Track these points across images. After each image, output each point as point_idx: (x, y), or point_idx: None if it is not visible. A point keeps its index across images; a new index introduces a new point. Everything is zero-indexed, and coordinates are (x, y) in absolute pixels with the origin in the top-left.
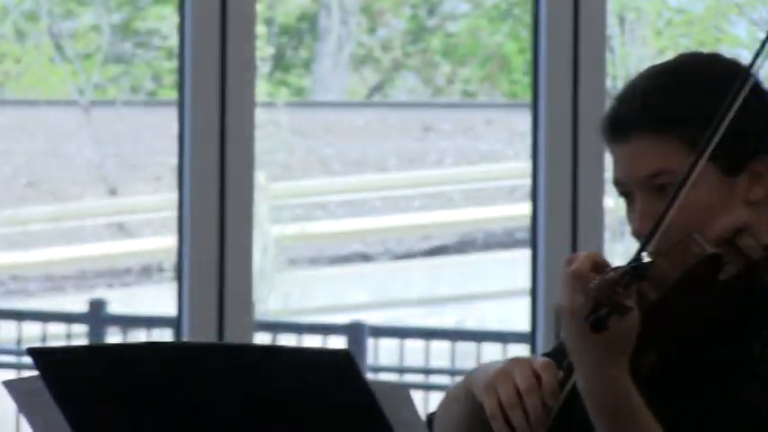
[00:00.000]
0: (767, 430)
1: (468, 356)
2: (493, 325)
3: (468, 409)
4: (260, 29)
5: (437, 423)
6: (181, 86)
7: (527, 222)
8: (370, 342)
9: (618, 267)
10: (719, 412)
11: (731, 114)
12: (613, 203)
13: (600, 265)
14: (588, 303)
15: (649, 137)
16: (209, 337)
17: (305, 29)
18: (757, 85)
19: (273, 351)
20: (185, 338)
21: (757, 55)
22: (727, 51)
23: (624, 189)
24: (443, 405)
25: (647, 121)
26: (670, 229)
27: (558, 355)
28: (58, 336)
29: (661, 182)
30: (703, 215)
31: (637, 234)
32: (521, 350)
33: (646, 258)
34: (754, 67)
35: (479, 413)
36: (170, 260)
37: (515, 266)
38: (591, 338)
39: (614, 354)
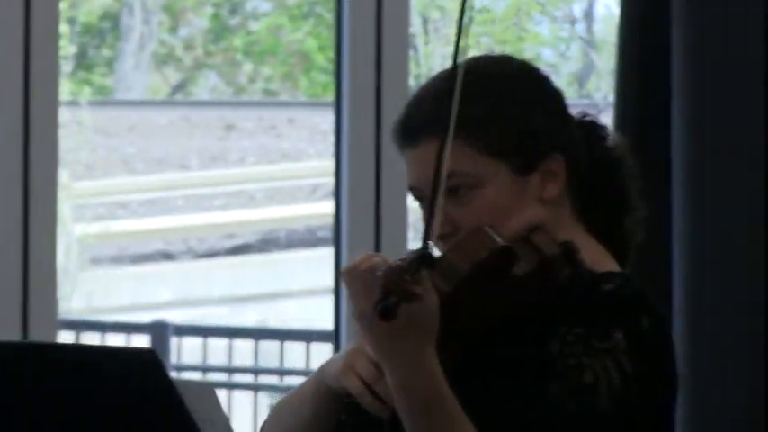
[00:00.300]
0: (568, 427)
1: (272, 355)
2: (296, 324)
3: (314, 410)
4: (62, 28)
5: None
6: None
7: (330, 221)
8: (174, 341)
9: (405, 257)
10: (520, 409)
11: (456, 106)
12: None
13: (381, 262)
14: (377, 293)
15: (436, 140)
16: (12, 336)
17: (107, 28)
18: (546, 83)
19: (79, 350)
20: None
21: (459, 33)
22: (530, 50)
23: (418, 194)
24: (277, 419)
25: (435, 125)
26: (464, 230)
27: None
28: None
29: (452, 184)
30: (496, 214)
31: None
32: (324, 349)
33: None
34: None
35: (332, 404)
36: None
37: (318, 265)
38: (382, 328)
39: (413, 342)
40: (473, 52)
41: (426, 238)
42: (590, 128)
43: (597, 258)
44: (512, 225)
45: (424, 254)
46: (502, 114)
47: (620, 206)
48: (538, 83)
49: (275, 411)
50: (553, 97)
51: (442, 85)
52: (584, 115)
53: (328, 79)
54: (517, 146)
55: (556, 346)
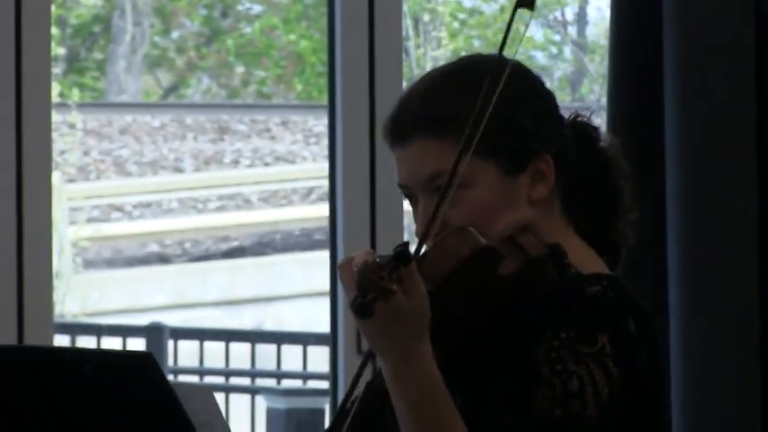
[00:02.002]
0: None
1: (269, 358)
2: (292, 326)
3: None
4: (52, 30)
5: None
6: None
7: (325, 224)
8: (170, 344)
9: (387, 254)
10: (504, 411)
11: (489, 109)
12: None
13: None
14: (354, 290)
15: (426, 139)
16: (8, 339)
17: (99, 30)
18: (536, 84)
19: (77, 354)
20: None
21: (504, 42)
22: (522, 53)
23: (408, 192)
24: None
25: (424, 124)
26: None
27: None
28: None
29: (441, 183)
30: (485, 214)
31: (420, 236)
32: (321, 352)
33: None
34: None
35: None
36: None
37: (314, 268)
38: (364, 324)
39: (400, 335)
40: (466, 54)
41: (422, 240)
42: (582, 128)
43: (585, 260)
44: (500, 225)
45: (398, 252)
46: (491, 114)
47: (612, 207)
48: (528, 83)
49: None
50: (543, 98)
51: (432, 83)
52: (577, 116)
53: (322, 81)
54: (506, 146)
55: (541, 349)
